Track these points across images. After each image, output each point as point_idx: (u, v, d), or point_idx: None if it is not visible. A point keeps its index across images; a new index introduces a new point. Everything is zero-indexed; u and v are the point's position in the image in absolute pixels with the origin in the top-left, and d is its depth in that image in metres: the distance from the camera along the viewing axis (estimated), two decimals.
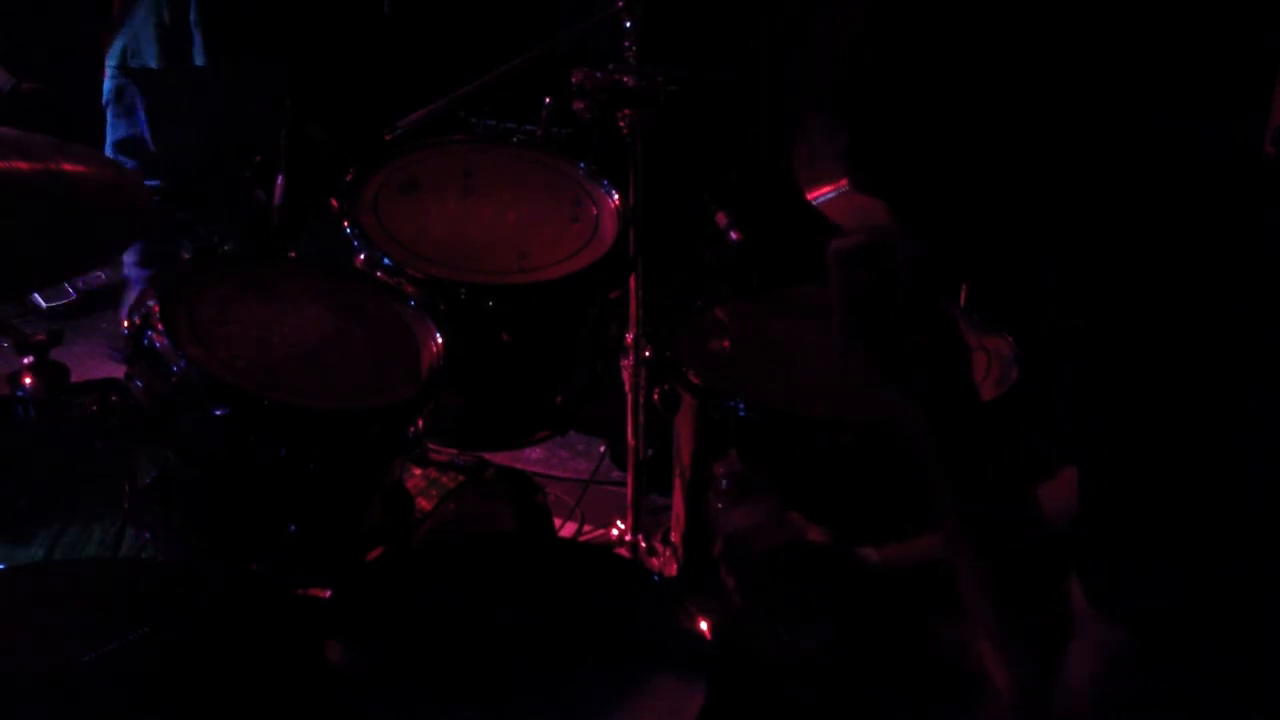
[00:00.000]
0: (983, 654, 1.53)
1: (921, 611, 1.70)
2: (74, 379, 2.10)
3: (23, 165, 1.90)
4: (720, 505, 1.76)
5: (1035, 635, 1.52)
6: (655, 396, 2.32)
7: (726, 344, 2.39)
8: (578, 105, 2.49)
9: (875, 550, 1.68)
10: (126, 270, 3.79)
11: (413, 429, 2.03)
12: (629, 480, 2.78)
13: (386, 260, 2.25)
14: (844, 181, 2.10)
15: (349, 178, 2.40)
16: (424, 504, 2.30)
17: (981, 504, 1.46)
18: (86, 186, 1.97)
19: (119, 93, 3.27)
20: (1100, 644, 1.35)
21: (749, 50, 3.56)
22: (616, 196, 2.46)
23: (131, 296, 3.59)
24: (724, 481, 1.78)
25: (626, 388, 2.67)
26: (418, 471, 2.41)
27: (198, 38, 3.21)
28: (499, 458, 2.68)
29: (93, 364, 3.89)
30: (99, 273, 4.25)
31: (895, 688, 1.68)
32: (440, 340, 2.08)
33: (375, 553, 2.06)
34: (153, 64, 3.17)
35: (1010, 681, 1.40)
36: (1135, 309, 1.23)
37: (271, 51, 3.32)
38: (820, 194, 2.40)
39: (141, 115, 3.24)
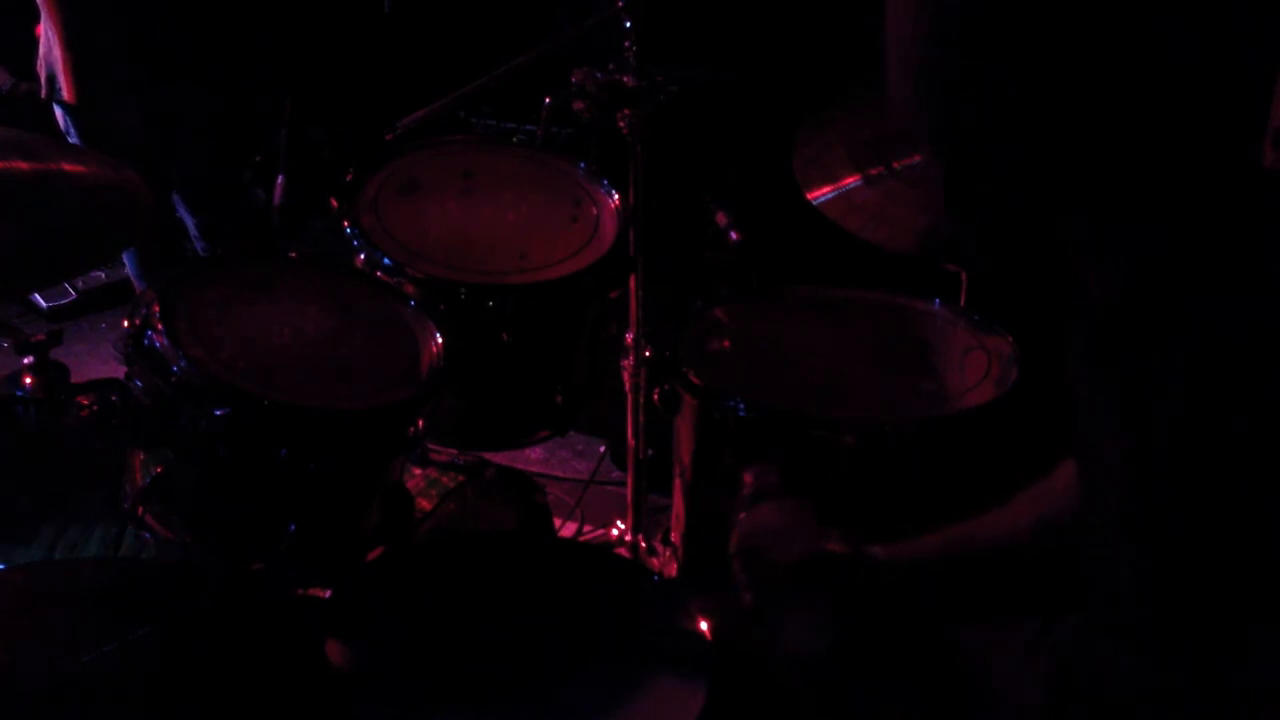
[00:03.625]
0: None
1: (924, 610, 1.70)
2: (74, 379, 2.10)
3: (23, 165, 1.90)
4: (743, 515, 1.72)
5: None
6: (655, 396, 2.32)
7: (726, 344, 2.39)
8: (578, 105, 2.48)
9: (881, 548, 1.67)
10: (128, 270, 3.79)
11: (413, 429, 2.03)
12: (629, 480, 2.78)
13: (386, 260, 2.25)
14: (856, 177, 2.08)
15: (349, 178, 2.40)
16: (424, 504, 2.30)
17: None
18: (86, 186, 1.97)
19: (59, 117, 3.29)
20: None
21: (749, 50, 3.56)
22: (616, 196, 2.46)
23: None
24: (751, 491, 1.73)
25: (626, 388, 2.67)
26: (418, 471, 2.41)
27: (110, 71, 3.21)
28: (499, 458, 2.69)
29: (93, 364, 3.90)
30: (99, 273, 4.25)
31: (899, 689, 1.68)
32: (440, 340, 2.08)
33: (375, 553, 2.06)
34: (68, 99, 3.18)
35: None
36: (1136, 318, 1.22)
37: (186, 80, 3.33)
38: (820, 194, 2.41)
39: (76, 140, 3.25)
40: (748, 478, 1.75)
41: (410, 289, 2.21)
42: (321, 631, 1.76)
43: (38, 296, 4.21)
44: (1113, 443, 1.23)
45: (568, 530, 3.13)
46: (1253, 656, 1.15)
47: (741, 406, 2.16)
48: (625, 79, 2.44)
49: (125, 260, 3.67)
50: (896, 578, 1.63)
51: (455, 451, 2.56)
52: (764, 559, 1.66)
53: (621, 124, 2.50)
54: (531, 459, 3.48)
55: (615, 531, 2.87)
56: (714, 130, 3.51)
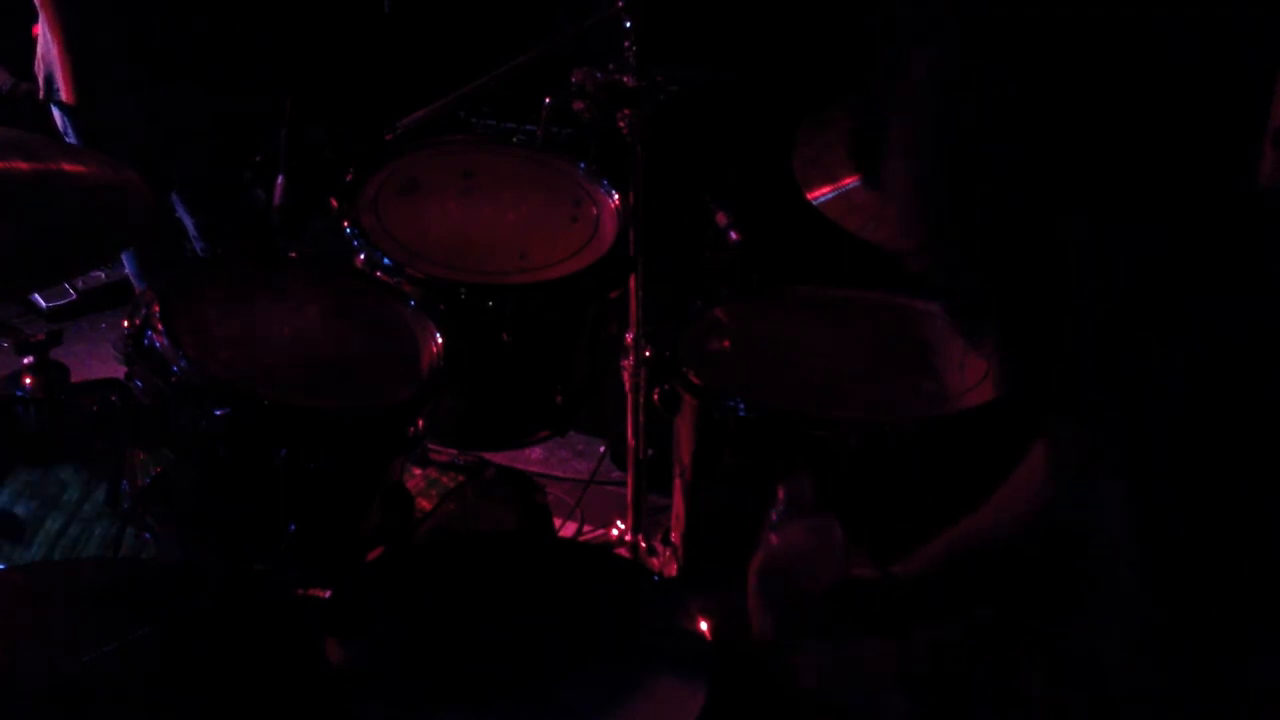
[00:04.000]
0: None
1: (929, 618, 1.69)
2: (74, 379, 2.10)
3: (23, 165, 1.90)
4: (774, 537, 1.66)
5: None
6: (655, 396, 2.32)
7: (726, 344, 2.39)
8: (578, 105, 2.48)
9: (899, 566, 1.66)
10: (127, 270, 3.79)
11: (413, 429, 2.03)
12: (629, 480, 2.78)
13: (386, 260, 2.25)
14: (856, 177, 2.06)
15: (349, 178, 2.40)
16: (424, 504, 2.30)
17: None
18: (86, 186, 1.97)
19: (56, 118, 3.29)
20: None
21: (749, 50, 3.56)
22: (616, 196, 2.46)
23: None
24: (782, 507, 1.68)
25: (626, 388, 2.67)
26: (418, 471, 2.41)
27: (110, 71, 3.21)
28: (499, 458, 2.68)
29: (93, 364, 3.90)
30: (99, 273, 4.25)
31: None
32: (440, 340, 2.08)
33: (375, 553, 2.06)
34: (66, 99, 3.18)
35: None
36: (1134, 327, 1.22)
37: (186, 81, 3.33)
38: (820, 194, 2.41)
39: (74, 140, 3.25)
40: (780, 492, 1.70)
41: (410, 289, 2.21)
42: (321, 631, 1.76)
43: (38, 296, 4.21)
44: (1112, 443, 1.23)
45: (568, 530, 3.13)
46: (1253, 656, 1.15)
47: (741, 406, 2.16)
48: (625, 79, 2.44)
49: (125, 260, 3.66)
50: (906, 592, 1.62)
51: (455, 451, 2.56)
52: (791, 587, 1.63)
53: (621, 124, 2.50)
54: (531, 459, 3.48)
55: (615, 531, 2.87)
56: (714, 130, 3.51)
